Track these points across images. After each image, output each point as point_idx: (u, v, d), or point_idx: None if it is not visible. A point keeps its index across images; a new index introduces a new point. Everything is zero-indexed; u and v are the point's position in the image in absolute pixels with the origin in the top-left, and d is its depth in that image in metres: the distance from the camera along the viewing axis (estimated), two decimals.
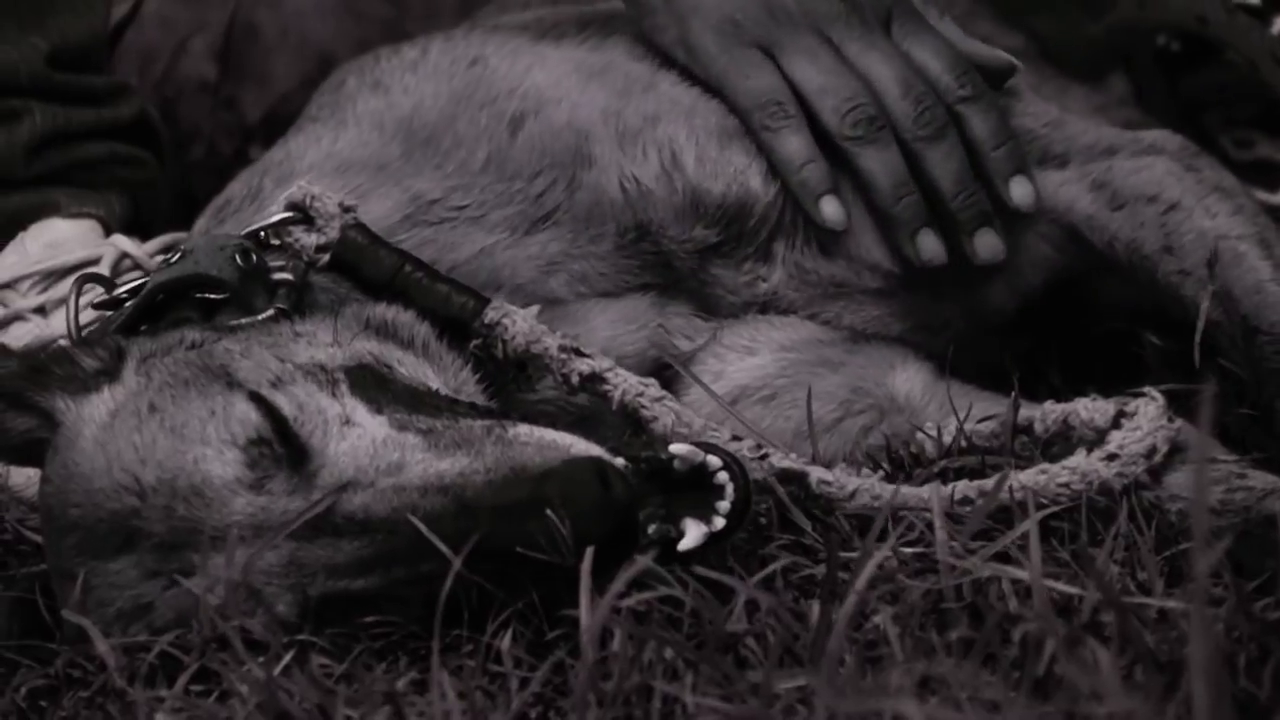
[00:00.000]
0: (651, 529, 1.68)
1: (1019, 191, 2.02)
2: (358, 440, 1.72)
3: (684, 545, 1.69)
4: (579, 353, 1.92)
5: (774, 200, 2.02)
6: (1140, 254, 2.02)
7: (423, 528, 1.65)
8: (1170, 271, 2.01)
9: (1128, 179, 2.04)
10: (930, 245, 2.02)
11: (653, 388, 1.92)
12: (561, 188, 2.01)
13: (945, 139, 2.01)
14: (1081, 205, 2.05)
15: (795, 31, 2.03)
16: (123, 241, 2.40)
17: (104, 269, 2.35)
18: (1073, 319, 2.20)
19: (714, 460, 1.72)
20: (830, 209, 2.00)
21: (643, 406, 1.91)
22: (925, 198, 2.02)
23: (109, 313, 1.99)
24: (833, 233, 2.02)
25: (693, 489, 1.71)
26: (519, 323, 1.92)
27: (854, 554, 1.72)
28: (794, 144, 2.00)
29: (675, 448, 1.71)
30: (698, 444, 1.73)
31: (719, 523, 1.71)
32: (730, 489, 1.71)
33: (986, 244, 2.03)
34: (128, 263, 2.37)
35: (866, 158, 2.00)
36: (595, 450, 1.69)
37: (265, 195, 2.04)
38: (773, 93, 2.02)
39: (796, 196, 2.00)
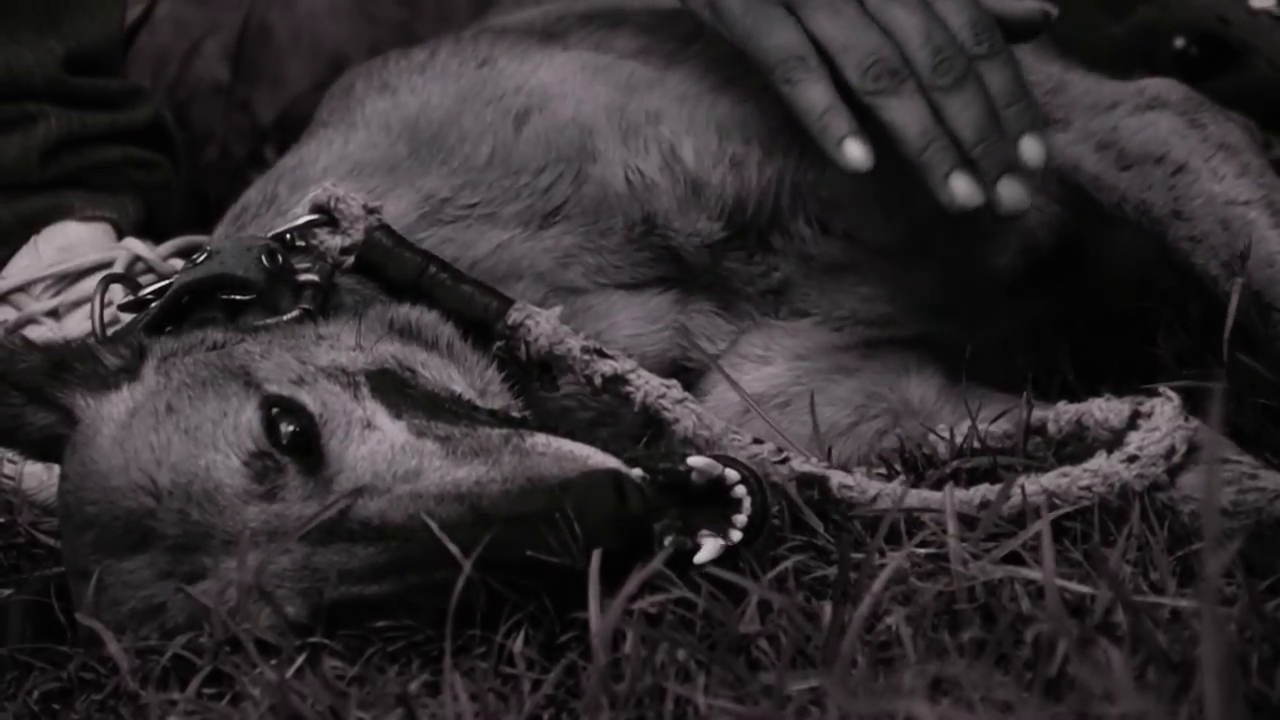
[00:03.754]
0: (668, 541, 1.67)
1: (1030, 149, 1.95)
2: (377, 445, 1.72)
3: (700, 558, 1.69)
4: (601, 354, 1.92)
5: (769, 186, 2.02)
6: (1150, 216, 2.01)
7: (439, 533, 1.65)
8: (1181, 237, 1.99)
9: (1133, 138, 2.03)
10: (964, 187, 1.94)
11: (674, 390, 1.91)
12: (569, 181, 2.01)
13: (966, 88, 1.95)
14: (1087, 165, 2.04)
15: None
16: (136, 245, 2.40)
17: (117, 272, 2.35)
18: (1085, 280, 2.19)
19: (732, 474, 1.71)
20: (854, 150, 1.94)
21: (664, 409, 1.91)
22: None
23: (129, 315, 1.99)
24: (834, 207, 2.00)
25: (710, 502, 1.71)
26: (542, 324, 1.92)
27: (866, 555, 1.71)
28: (815, 93, 1.96)
29: (693, 460, 1.71)
30: (716, 457, 1.73)
31: (735, 536, 1.70)
32: (748, 503, 1.71)
33: (1011, 192, 1.95)
34: (140, 266, 2.38)
35: (891, 109, 1.95)
36: (612, 462, 1.68)
37: (281, 201, 2.04)
38: (795, 48, 1.97)
39: (819, 144, 1.95)
